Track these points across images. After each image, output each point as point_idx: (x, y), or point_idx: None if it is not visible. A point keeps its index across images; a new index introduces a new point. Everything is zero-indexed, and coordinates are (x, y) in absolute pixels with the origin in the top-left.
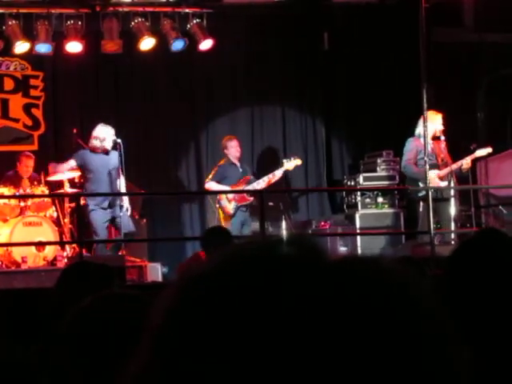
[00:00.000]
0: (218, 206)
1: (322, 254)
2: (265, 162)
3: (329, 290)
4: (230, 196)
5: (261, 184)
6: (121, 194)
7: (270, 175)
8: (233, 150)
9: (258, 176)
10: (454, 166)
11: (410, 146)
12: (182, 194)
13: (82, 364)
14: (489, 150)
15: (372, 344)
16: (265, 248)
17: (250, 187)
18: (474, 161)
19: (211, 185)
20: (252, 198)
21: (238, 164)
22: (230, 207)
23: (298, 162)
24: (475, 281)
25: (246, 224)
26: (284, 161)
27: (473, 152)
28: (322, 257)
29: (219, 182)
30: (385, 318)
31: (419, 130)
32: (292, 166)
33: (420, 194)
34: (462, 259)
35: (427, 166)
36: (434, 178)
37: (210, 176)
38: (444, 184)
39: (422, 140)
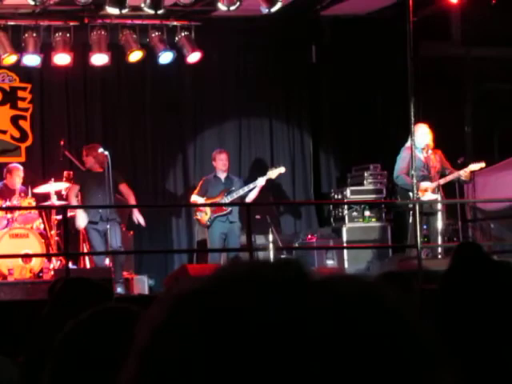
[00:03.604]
0: (195, 218)
1: (308, 275)
2: (252, 175)
3: (313, 312)
4: (207, 208)
5: (240, 193)
6: (107, 207)
7: (251, 184)
8: (220, 162)
9: None
10: (442, 181)
11: (403, 154)
12: (169, 206)
13: (79, 377)
14: (482, 164)
15: (353, 362)
16: (253, 269)
17: (229, 198)
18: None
19: (195, 198)
20: (229, 209)
21: (223, 176)
22: (206, 218)
23: (282, 169)
24: (465, 298)
25: (231, 235)
26: (268, 170)
27: (461, 165)
28: (308, 278)
29: (203, 195)
30: (366, 338)
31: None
32: (275, 175)
33: (410, 206)
34: (452, 277)
35: (414, 180)
36: (427, 189)
37: (196, 190)
38: (435, 197)
39: (415, 150)
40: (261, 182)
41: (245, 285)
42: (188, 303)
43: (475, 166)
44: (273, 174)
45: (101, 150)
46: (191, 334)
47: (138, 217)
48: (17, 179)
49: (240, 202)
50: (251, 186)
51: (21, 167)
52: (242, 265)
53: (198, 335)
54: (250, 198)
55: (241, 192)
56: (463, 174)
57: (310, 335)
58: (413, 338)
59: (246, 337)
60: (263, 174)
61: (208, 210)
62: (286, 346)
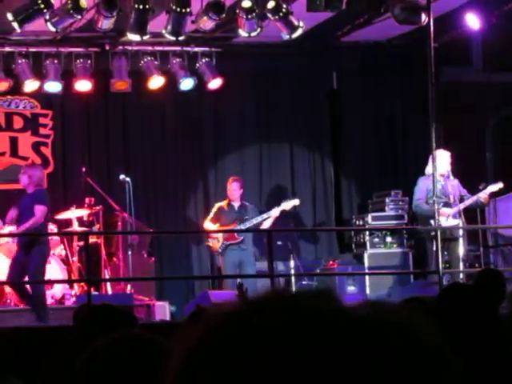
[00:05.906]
0: (207, 244)
1: (341, 304)
2: (273, 201)
3: (345, 341)
4: (219, 235)
5: (254, 223)
6: (130, 233)
7: (265, 214)
8: (230, 192)
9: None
10: (462, 206)
11: (420, 185)
12: (190, 232)
13: None
14: (500, 185)
15: None
16: (284, 299)
17: (242, 226)
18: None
19: (207, 225)
20: (241, 238)
21: (237, 205)
22: (218, 246)
23: (296, 201)
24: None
25: (245, 264)
26: (283, 200)
27: (482, 191)
28: (342, 308)
29: (216, 222)
30: (409, 370)
31: (429, 168)
32: (289, 206)
33: (432, 233)
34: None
35: (436, 206)
36: (449, 214)
37: (209, 217)
38: (456, 223)
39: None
40: (275, 212)
41: (280, 315)
42: (221, 330)
43: (494, 187)
44: (287, 205)
45: (39, 168)
46: (225, 360)
47: None
48: None
49: (262, 229)
50: (265, 215)
51: None
52: (271, 294)
53: (232, 363)
54: (264, 227)
55: (254, 221)
56: (482, 196)
57: (354, 366)
58: (450, 371)
59: (285, 366)
60: (282, 200)
61: (220, 237)
62: (324, 375)
